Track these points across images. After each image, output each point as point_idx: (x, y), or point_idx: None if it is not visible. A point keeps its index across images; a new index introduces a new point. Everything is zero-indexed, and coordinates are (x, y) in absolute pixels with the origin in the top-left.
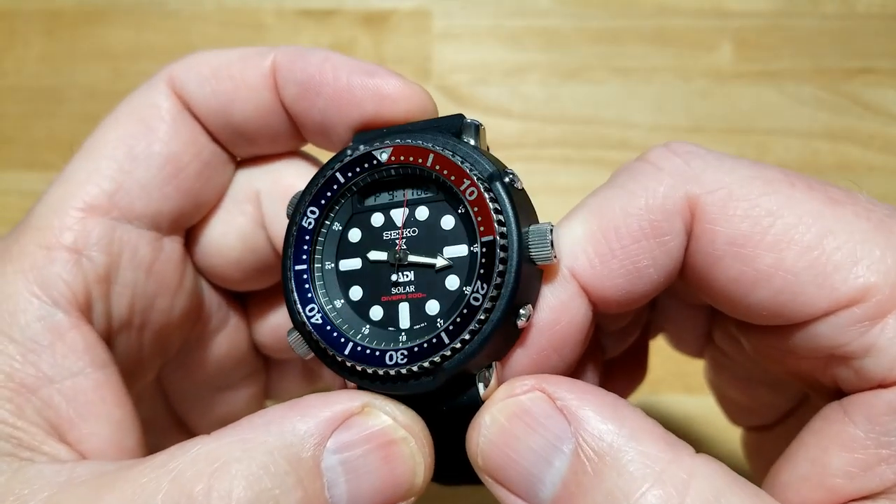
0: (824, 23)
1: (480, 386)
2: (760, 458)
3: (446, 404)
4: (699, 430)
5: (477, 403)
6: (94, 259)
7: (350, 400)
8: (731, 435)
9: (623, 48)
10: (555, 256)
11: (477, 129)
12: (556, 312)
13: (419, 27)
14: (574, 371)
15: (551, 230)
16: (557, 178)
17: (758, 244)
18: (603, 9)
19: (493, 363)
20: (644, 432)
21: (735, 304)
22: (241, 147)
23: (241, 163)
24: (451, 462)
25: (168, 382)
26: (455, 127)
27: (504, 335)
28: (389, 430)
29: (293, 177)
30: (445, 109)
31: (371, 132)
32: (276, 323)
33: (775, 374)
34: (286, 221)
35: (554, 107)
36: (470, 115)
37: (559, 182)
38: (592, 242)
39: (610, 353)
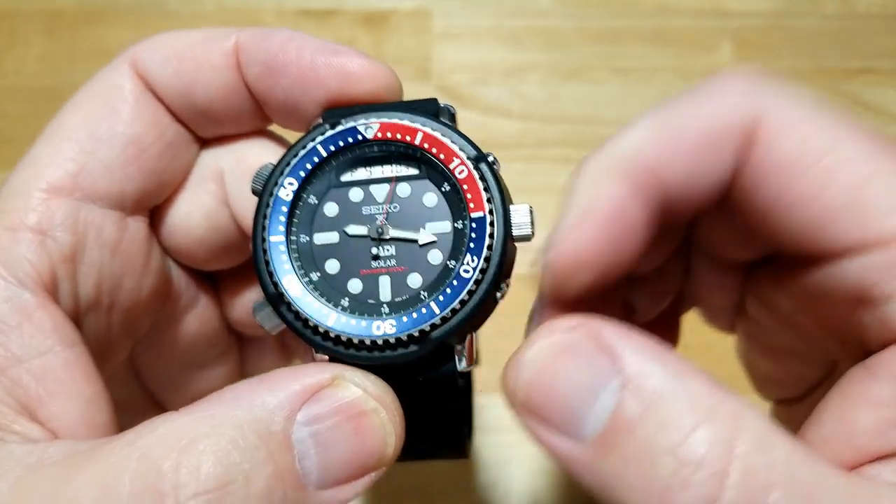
0: (824, 23)
1: (458, 358)
2: (789, 430)
3: (423, 375)
4: None
5: (454, 373)
6: (59, 239)
7: (320, 372)
8: None
9: (623, 48)
10: (533, 233)
11: (452, 114)
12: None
13: (419, 27)
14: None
15: (531, 210)
16: (557, 178)
17: (805, 172)
18: (603, 9)
19: (470, 335)
20: (690, 373)
21: (771, 227)
22: (204, 127)
23: (206, 142)
24: (421, 435)
25: (140, 363)
26: (431, 110)
27: (486, 306)
28: (360, 402)
29: (257, 155)
30: None
31: (341, 109)
32: (248, 300)
33: (804, 339)
34: (250, 198)
35: (554, 107)
36: (470, 115)
37: (559, 182)
38: (661, 141)
39: (642, 317)
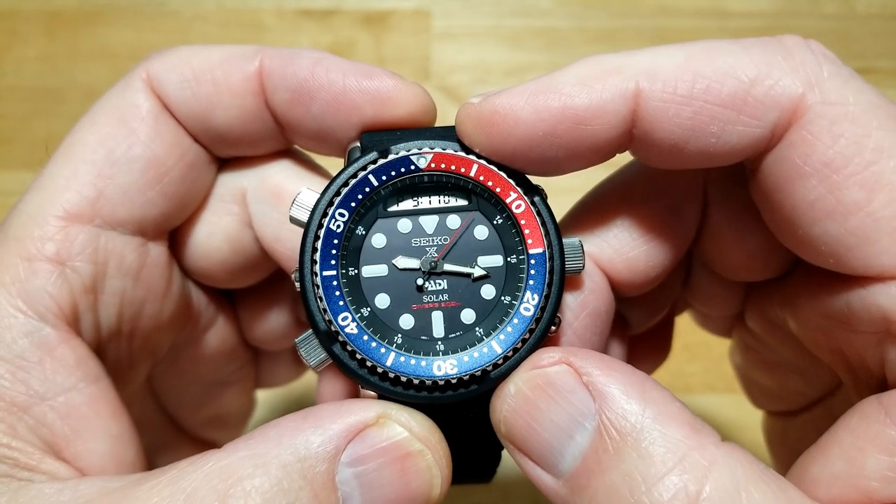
0: (824, 23)
1: None
2: (782, 443)
3: (474, 411)
4: None
5: None
6: (80, 269)
7: (364, 410)
8: (734, 437)
9: (623, 48)
10: (584, 266)
11: None
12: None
13: (419, 27)
14: (601, 348)
15: (581, 244)
16: (557, 177)
17: (851, 175)
18: (603, 9)
19: None
20: (669, 415)
21: (798, 230)
22: (222, 149)
23: (223, 162)
24: (463, 463)
25: (158, 382)
26: None
27: (542, 342)
28: (405, 443)
29: (280, 176)
30: (445, 110)
31: (380, 134)
32: (266, 316)
33: (810, 360)
34: (277, 221)
35: None
36: None
37: (559, 182)
38: (681, 73)
39: (635, 329)
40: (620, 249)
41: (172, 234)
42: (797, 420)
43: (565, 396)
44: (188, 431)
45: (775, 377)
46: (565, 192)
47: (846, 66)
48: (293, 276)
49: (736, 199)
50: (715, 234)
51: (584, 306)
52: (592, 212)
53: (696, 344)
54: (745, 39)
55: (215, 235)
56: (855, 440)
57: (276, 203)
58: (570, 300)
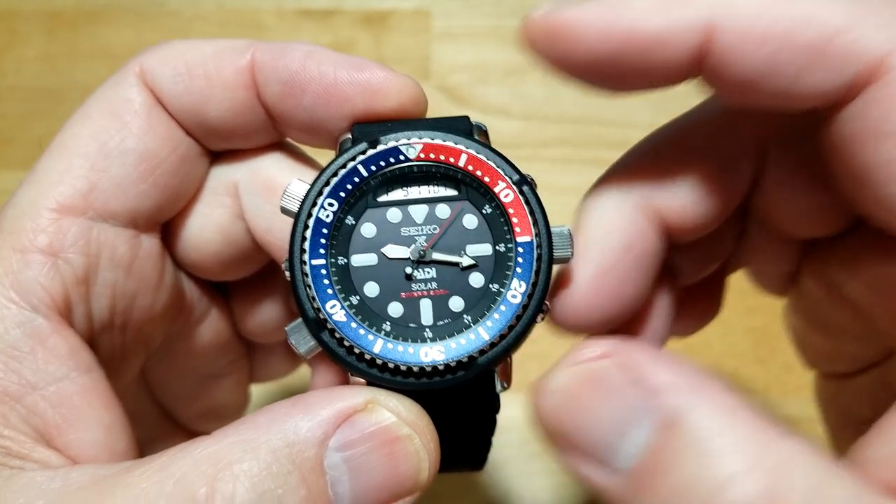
0: None
1: (498, 381)
2: (834, 405)
3: (462, 398)
4: None
5: (492, 396)
6: (72, 261)
7: (353, 396)
8: None
9: None
10: (572, 254)
11: (485, 132)
12: (631, 239)
13: (419, 27)
14: (648, 297)
15: (570, 232)
16: (557, 178)
17: None
18: None
19: (508, 358)
20: (739, 410)
21: (869, 190)
22: (215, 142)
23: (216, 155)
24: (447, 451)
25: (152, 375)
26: (465, 128)
27: (529, 330)
28: (393, 427)
29: (272, 169)
30: (445, 109)
31: (371, 125)
32: (260, 309)
33: (867, 323)
34: (270, 213)
35: (554, 107)
36: (470, 116)
37: (559, 182)
38: (762, 10)
39: (685, 280)
40: (671, 196)
41: (165, 227)
42: (850, 383)
43: (616, 393)
44: (183, 424)
45: (829, 339)
46: (565, 191)
47: None
48: (283, 265)
49: (794, 154)
50: (771, 190)
51: (627, 249)
52: (645, 157)
53: (696, 343)
54: None
55: (208, 227)
56: None
57: (269, 195)
58: (614, 241)
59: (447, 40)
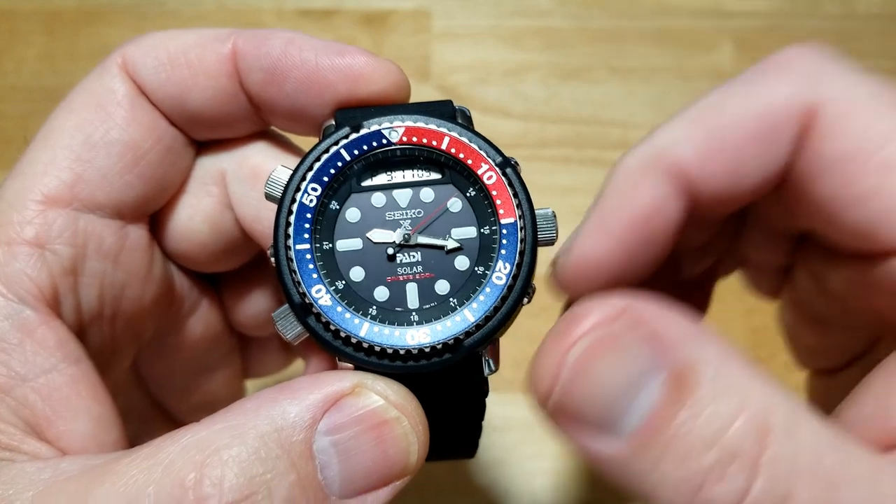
0: (824, 23)
1: (486, 364)
2: (826, 402)
3: (450, 381)
4: None
5: (480, 379)
6: (59, 252)
7: (340, 380)
8: None
9: (623, 48)
10: (556, 237)
11: (468, 116)
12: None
13: (419, 27)
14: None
15: (554, 214)
16: (557, 178)
17: (864, 164)
18: (603, 9)
19: (496, 341)
20: (731, 354)
21: (827, 223)
22: (199, 131)
23: (202, 145)
24: (437, 437)
25: (144, 369)
26: (447, 112)
27: (515, 312)
28: (381, 411)
29: (259, 156)
30: None
31: (354, 111)
32: (250, 301)
33: (852, 314)
34: (257, 201)
35: (554, 107)
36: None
37: (559, 182)
38: (701, 137)
39: (679, 274)
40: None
41: (154, 218)
42: (840, 377)
43: (631, 353)
44: (176, 418)
45: (820, 333)
46: (565, 191)
47: (844, 59)
48: (269, 251)
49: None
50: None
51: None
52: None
53: None
54: (744, 73)
55: (195, 218)
56: (885, 382)
57: (255, 183)
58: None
59: (447, 40)
